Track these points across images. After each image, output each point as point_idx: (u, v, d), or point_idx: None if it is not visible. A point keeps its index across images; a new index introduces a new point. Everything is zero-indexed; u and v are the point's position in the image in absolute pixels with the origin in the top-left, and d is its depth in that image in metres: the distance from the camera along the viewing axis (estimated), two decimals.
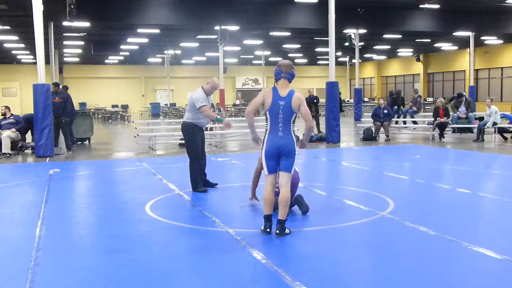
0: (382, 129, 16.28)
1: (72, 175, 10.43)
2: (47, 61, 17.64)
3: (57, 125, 13.86)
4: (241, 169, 10.48)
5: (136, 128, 16.84)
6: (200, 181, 8.04)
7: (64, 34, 24.95)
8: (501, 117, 16.17)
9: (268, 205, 5.53)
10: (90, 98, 43.93)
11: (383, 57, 44.63)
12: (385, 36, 29.05)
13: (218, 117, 7.81)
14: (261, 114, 6.37)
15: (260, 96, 5.63)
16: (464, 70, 36.52)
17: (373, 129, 16.32)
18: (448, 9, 21.75)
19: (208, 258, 4.87)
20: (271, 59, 42.19)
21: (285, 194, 5.48)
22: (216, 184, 8.36)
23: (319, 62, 45.78)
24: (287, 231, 5.51)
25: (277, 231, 5.43)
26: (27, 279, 4.31)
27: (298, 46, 33.71)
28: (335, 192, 8.05)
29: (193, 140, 7.91)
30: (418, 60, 40.05)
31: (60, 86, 15.45)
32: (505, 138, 15.51)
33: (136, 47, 32.14)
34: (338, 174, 10.67)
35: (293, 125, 5.55)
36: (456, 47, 36.03)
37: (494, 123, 15.46)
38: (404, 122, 19.26)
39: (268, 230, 5.50)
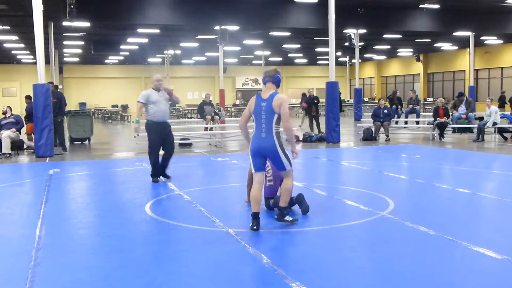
0: (382, 129, 16.28)
1: (72, 175, 10.43)
2: (47, 61, 17.65)
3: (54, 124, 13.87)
4: (241, 169, 10.45)
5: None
6: (155, 173, 8.84)
7: (64, 34, 24.95)
8: (501, 117, 16.17)
9: (255, 203, 5.68)
10: (90, 98, 43.93)
11: (383, 57, 44.64)
12: (385, 36, 29.05)
13: (137, 119, 8.99)
14: None
15: (247, 108, 5.94)
16: (464, 70, 36.53)
17: (373, 129, 16.32)
18: (448, 9, 21.75)
19: (208, 258, 4.87)
20: (271, 59, 42.18)
21: (285, 183, 5.81)
22: (170, 177, 9.07)
23: (319, 62, 45.76)
24: (288, 218, 5.77)
25: (276, 216, 5.90)
26: (27, 279, 4.31)
27: (298, 46, 33.71)
28: (335, 192, 8.05)
29: (149, 136, 8.83)
30: (418, 60, 40.05)
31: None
32: (505, 138, 15.51)
33: (136, 47, 32.14)
34: (338, 174, 10.66)
35: (277, 126, 5.70)
36: (456, 47, 36.05)
37: (494, 123, 15.47)
38: (406, 122, 19.27)
39: (255, 227, 5.62)
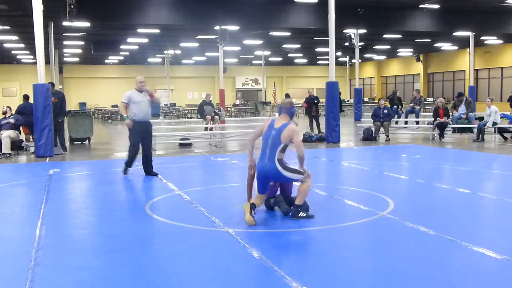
0: (382, 129, 16.28)
1: (72, 175, 10.43)
2: (47, 61, 17.65)
3: (54, 124, 13.87)
4: (241, 169, 10.45)
5: None
6: (129, 165, 9.57)
7: (64, 34, 24.94)
8: (501, 117, 16.17)
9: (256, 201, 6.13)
10: (90, 98, 43.92)
11: (383, 57, 44.62)
12: (385, 36, 29.04)
13: (125, 115, 9.27)
14: None
15: (260, 126, 6.43)
16: (464, 70, 36.51)
17: (373, 129, 16.32)
18: (448, 9, 21.74)
19: (208, 258, 4.87)
20: (271, 59, 42.15)
21: (302, 185, 6.12)
22: (157, 174, 9.55)
23: (319, 62, 45.76)
24: (301, 214, 6.07)
25: (291, 214, 6.11)
26: (27, 279, 4.31)
27: (298, 46, 33.70)
28: (335, 192, 8.05)
29: (131, 132, 9.35)
30: (418, 60, 40.02)
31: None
32: (505, 138, 15.51)
33: (136, 47, 32.13)
34: (338, 174, 10.67)
35: (281, 154, 6.00)
36: (456, 47, 36.03)
37: (494, 123, 15.46)
38: (406, 122, 19.27)
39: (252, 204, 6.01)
